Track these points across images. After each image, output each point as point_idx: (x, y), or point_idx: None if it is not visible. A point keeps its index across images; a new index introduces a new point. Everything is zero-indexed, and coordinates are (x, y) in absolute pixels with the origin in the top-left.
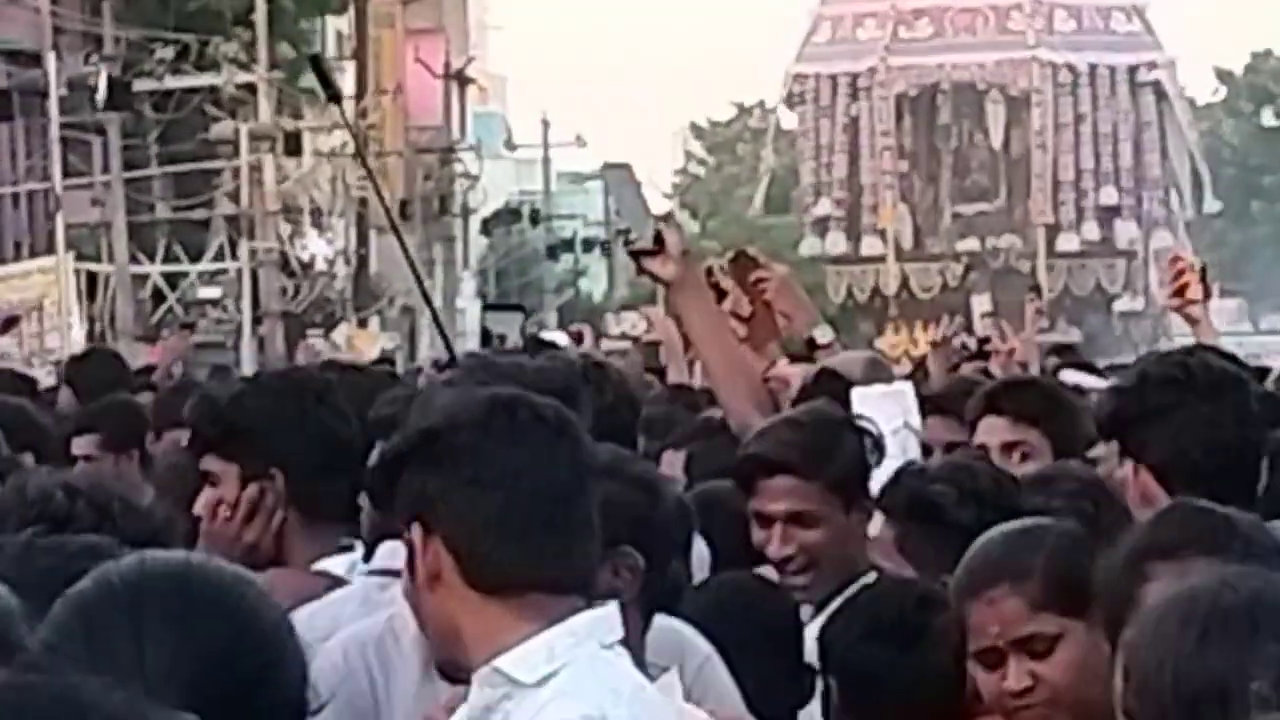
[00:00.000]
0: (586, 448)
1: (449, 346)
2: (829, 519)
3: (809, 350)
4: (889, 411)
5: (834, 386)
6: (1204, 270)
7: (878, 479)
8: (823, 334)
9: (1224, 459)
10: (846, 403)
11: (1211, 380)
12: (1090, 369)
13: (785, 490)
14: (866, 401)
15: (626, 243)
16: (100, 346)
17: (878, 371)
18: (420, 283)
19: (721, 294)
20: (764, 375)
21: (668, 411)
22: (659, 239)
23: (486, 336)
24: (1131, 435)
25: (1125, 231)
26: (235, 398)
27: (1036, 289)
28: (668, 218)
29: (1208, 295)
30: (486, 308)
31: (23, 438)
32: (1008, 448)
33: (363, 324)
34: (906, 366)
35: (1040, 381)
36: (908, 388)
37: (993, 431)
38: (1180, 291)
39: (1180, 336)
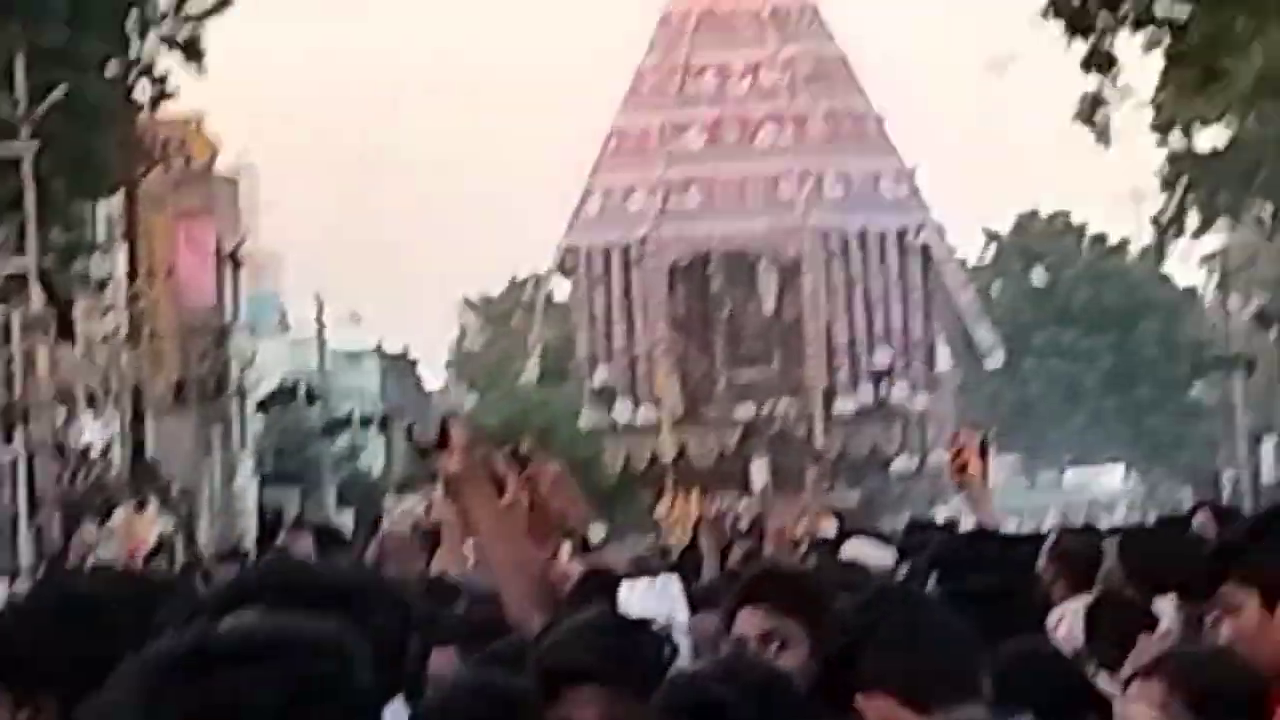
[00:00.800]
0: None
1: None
2: None
3: (583, 550)
4: (655, 608)
5: (603, 584)
6: (984, 441)
7: None
8: (595, 533)
9: None
10: (615, 599)
11: None
12: (877, 536)
13: (589, 698)
14: (633, 597)
15: (411, 437)
16: None
17: (643, 566)
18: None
19: (502, 487)
20: (545, 570)
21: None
22: (444, 433)
23: (265, 512)
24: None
25: (900, 393)
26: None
27: (818, 455)
28: (453, 412)
29: (985, 469)
30: (264, 481)
31: None
32: (764, 638)
33: (140, 508)
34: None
35: (797, 570)
36: (672, 581)
37: (750, 622)
38: (961, 467)
39: (957, 497)
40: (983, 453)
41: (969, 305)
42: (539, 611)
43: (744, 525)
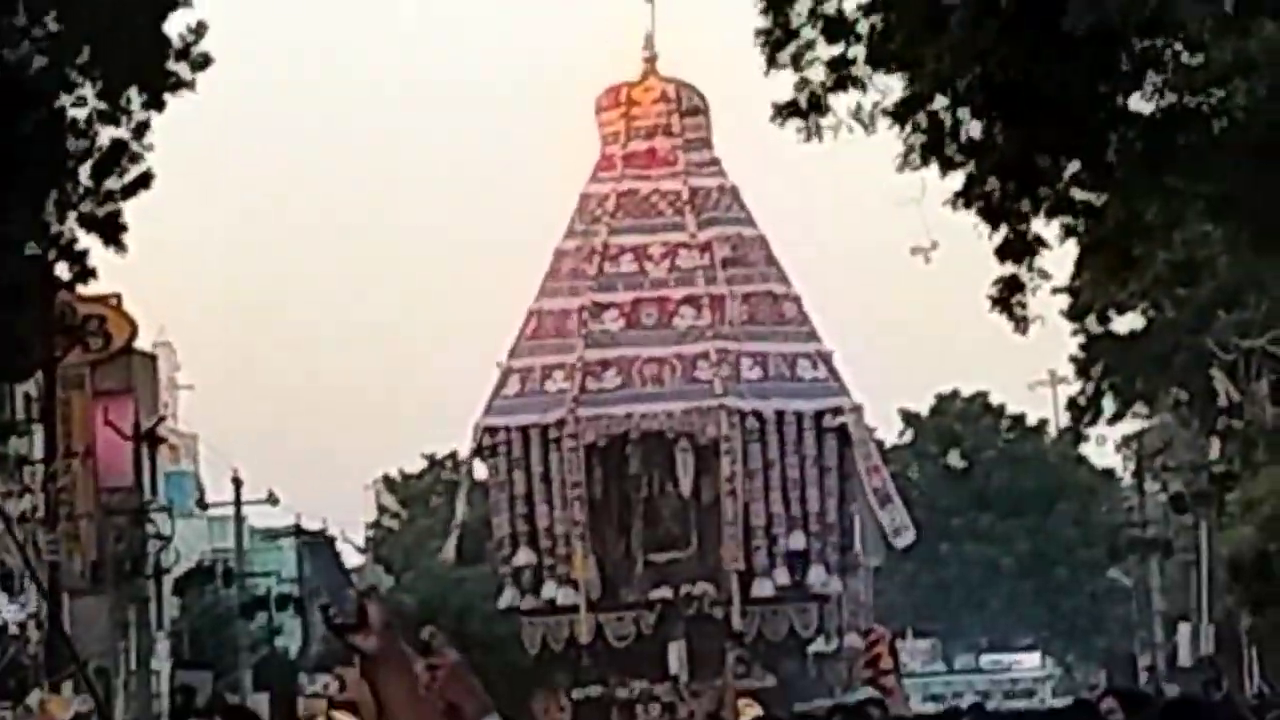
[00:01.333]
0: None
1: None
2: None
3: None
4: None
5: None
6: (892, 642)
7: None
8: None
9: None
10: None
11: None
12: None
13: None
14: None
15: (327, 618)
16: None
17: None
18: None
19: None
20: None
21: None
22: (362, 612)
23: (178, 693)
24: None
25: (817, 576)
26: None
27: (738, 636)
28: (369, 592)
29: (896, 665)
30: (178, 665)
31: None
32: None
33: (55, 688)
34: None
35: None
36: None
37: None
38: (874, 661)
39: None
40: (892, 649)
41: (883, 488)
42: None
43: (659, 712)
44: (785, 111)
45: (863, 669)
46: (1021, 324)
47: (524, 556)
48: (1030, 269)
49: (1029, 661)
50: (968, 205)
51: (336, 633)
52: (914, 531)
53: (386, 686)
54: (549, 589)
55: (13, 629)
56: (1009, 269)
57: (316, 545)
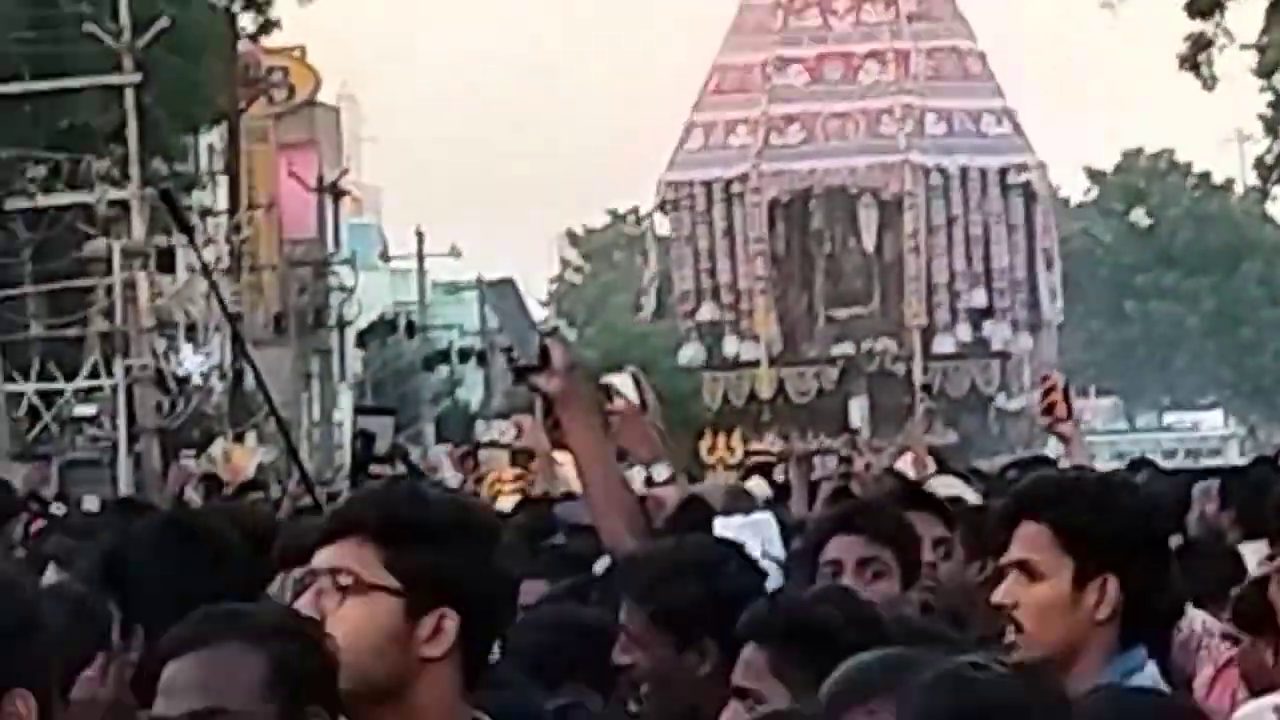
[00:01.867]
0: None
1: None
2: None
3: (647, 487)
4: (748, 541)
5: (698, 515)
6: (1066, 389)
7: None
8: (658, 472)
9: None
10: (709, 529)
11: None
12: (963, 475)
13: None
14: (727, 531)
15: (510, 360)
16: None
17: (739, 501)
18: (274, 410)
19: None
20: (641, 496)
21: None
22: (544, 354)
23: (357, 438)
24: None
25: (999, 333)
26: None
27: (927, 388)
28: (553, 333)
29: (1070, 413)
30: (359, 410)
31: None
32: (861, 564)
33: (239, 439)
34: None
35: (891, 506)
36: (768, 517)
37: (846, 549)
38: (1050, 409)
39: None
40: (1066, 395)
41: (1050, 249)
42: (632, 537)
43: (836, 464)
44: None
45: (1040, 415)
46: (1209, 82)
47: (707, 311)
48: (1219, 26)
49: (1212, 420)
50: None
51: (519, 375)
52: (1060, 300)
53: (571, 430)
54: (730, 344)
55: (197, 379)
56: (1197, 26)
57: (502, 291)
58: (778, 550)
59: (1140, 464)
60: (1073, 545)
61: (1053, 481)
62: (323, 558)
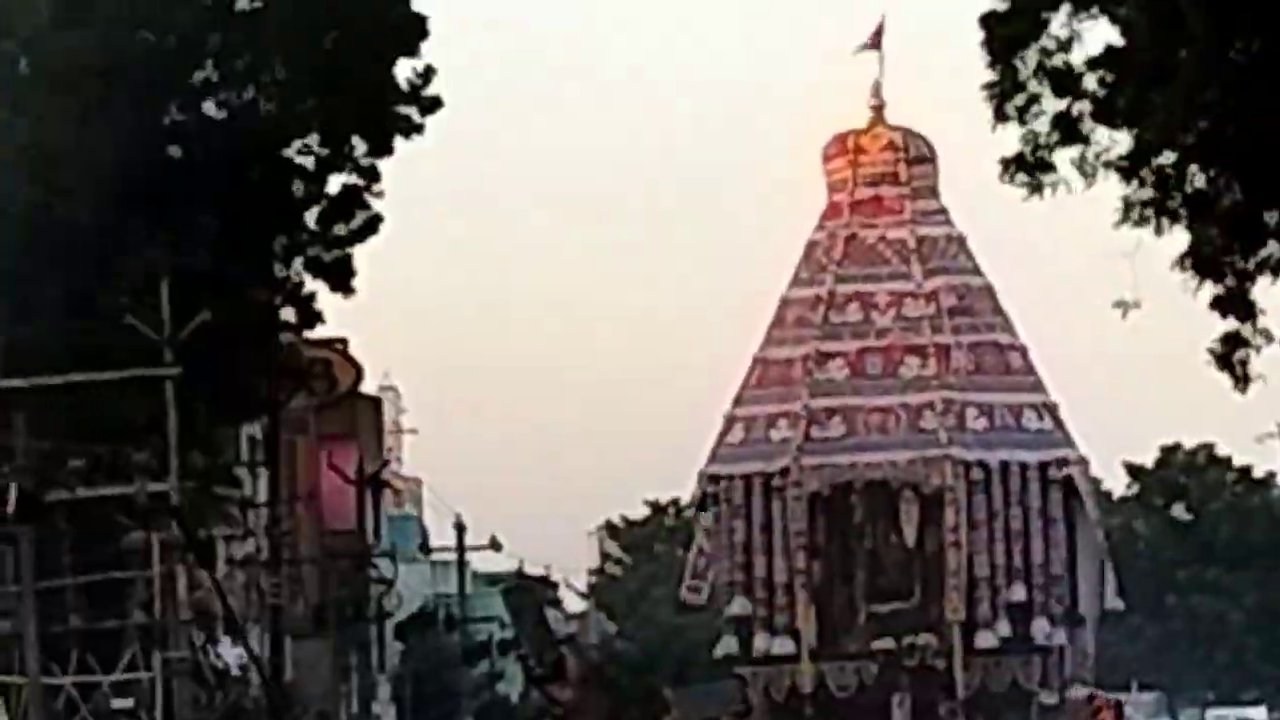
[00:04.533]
0: None
1: None
2: None
3: None
4: None
5: None
6: (1119, 705)
7: None
8: None
9: None
10: None
11: None
12: None
13: None
14: None
15: (526, 667)
16: None
17: None
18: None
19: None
20: None
21: None
22: (559, 663)
23: None
24: None
25: (1039, 628)
26: None
27: (949, 689)
28: (568, 641)
29: None
30: (401, 707)
31: None
32: None
33: None
34: None
35: None
36: None
37: None
38: None
39: None
40: (1118, 715)
41: (1102, 544)
42: None
43: None
44: (1012, 167)
45: None
46: (1243, 382)
47: (738, 606)
48: (1255, 329)
49: (1257, 716)
50: (1194, 268)
51: (535, 684)
52: (1122, 601)
53: None
54: (761, 640)
55: (235, 671)
56: (1231, 324)
57: (525, 601)
58: None
59: None
60: None
61: None
62: None
